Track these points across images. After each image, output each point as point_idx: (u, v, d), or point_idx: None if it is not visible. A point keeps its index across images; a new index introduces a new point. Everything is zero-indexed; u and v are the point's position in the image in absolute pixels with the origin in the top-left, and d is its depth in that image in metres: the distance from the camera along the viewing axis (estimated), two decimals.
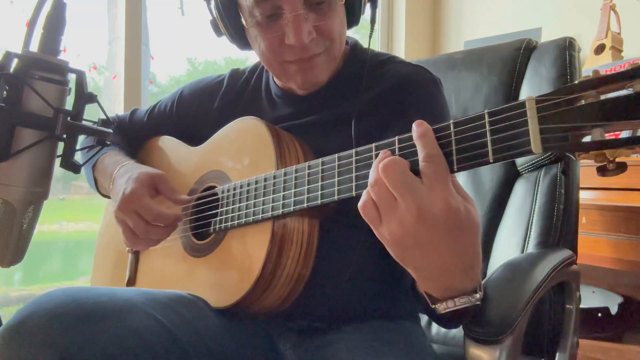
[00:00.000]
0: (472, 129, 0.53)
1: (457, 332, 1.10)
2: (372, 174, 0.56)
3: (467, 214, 0.53)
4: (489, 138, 0.52)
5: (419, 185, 0.53)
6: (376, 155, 0.61)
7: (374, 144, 0.62)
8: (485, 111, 0.53)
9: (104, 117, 0.70)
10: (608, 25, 2.02)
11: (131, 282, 1.01)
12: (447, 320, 0.65)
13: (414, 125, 0.56)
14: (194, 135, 0.99)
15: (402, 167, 0.54)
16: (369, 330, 0.81)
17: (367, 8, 0.85)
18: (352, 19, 0.84)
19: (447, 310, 0.58)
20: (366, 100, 0.85)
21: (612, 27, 2.04)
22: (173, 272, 0.92)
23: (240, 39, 0.84)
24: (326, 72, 0.83)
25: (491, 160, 0.52)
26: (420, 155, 0.54)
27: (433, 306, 0.59)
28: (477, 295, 0.58)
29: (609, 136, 0.46)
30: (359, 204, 0.56)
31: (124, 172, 0.90)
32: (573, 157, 0.49)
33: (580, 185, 1.10)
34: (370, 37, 0.87)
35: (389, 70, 0.88)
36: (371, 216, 0.55)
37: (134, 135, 1.10)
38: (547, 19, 2.31)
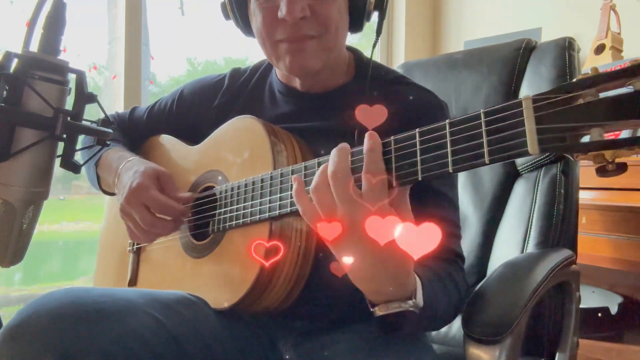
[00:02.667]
0: (467, 129, 0.53)
1: (457, 332, 1.10)
2: (317, 178, 0.61)
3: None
4: (484, 139, 0.51)
5: (356, 199, 0.58)
6: None
7: None
8: (481, 111, 0.52)
9: (104, 117, 0.70)
10: (608, 25, 2.02)
11: (132, 282, 1.01)
12: (388, 326, 0.67)
13: (366, 136, 0.60)
14: (194, 134, 0.99)
15: (348, 178, 0.59)
16: (369, 330, 0.80)
17: (374, 16, 0.86)
18: (355, 21, 0.85)
19: (382, 313, 0.62)
20: None
21: (612, 27, 2.04)
22: (173, 273, 0.92)
23: (245, 21, 0.86)
24: (317, 60, 0.82)
25: (487, 162, 0.51)
26: (363, 169, 0.58)
27: (372, 309, 0.64)
28: (410, 302, 0.62)
29: (608, 136, 0.45)
30: (301, 211, 0.63)
31: (130, 166, 0.90)
32: (571, 158, 0.48)
33: (580, 185, 1.10)
34: (373, 46, 0.86)
35: (398, 92, 0.88)
36: (313, 215, 0.61)
37: (133, 133, 1.10)
38: (547, 19, 2.31)
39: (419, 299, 0.63)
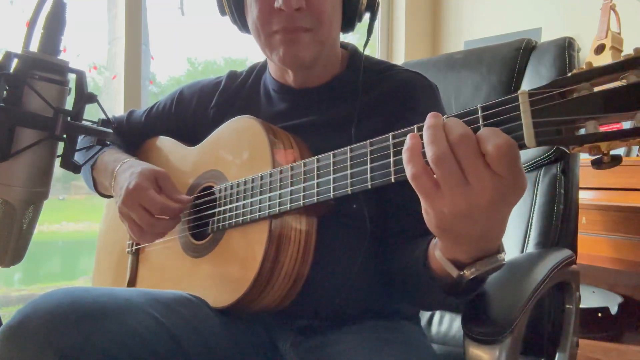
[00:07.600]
0: (466, 124, 0.53)
1: (457, 332, 1.10)
2: (437, 146, 0.50)
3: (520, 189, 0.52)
4: None
5: (487, 170, 0.50)
6: (371, 152, 0.62)
7: (368, 141, 0.63)
8: (478, 105, 0.52)
9: (104, 117, 0.71)
10: (608, 25, 2.02)
11: (131, 282, 1.01)
12: (463, 290, 0.64)
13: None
14: (192, 135, 0.99)
15: (477, 146, 0.50)
16: (368, 329, 0.81)
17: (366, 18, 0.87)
18: (348, 20, 0.86)
19: (474, 274, 0.58)
20: (365, 104, 0.86)
21: (612, 27, 2.04)
22: (172, 273, 0.92)
23: (241, 16, 0.88)
24: (309, 52, 0.83)
25: None
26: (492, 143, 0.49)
27: (461, 272, 0.59)
28: (503, 255, 0.59)
29: (602, 128, 0.46)
30: (411, 174, 0.52)
31: (126, 168, 0.90)
32: (567, 150, 0.48)
33: (580, 185, 1.10)
34: (365, 45, 0.89)
35: (388, 76, 0.90)
36: (427, 188, 0.52)
37: (131, 136, 1.10)
38: (547, 19, 2.31)
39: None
